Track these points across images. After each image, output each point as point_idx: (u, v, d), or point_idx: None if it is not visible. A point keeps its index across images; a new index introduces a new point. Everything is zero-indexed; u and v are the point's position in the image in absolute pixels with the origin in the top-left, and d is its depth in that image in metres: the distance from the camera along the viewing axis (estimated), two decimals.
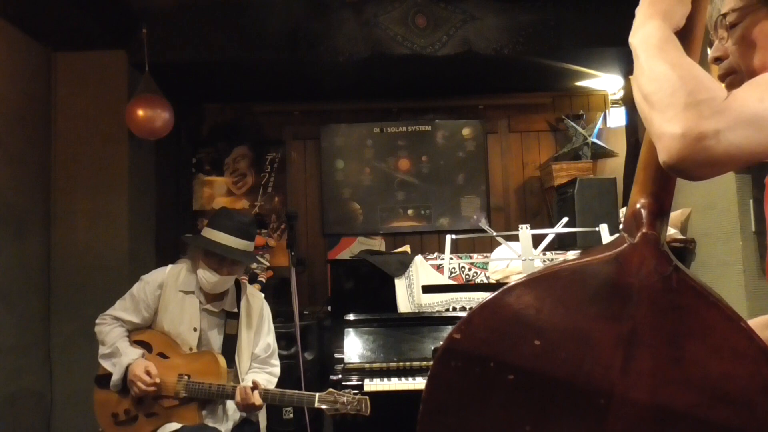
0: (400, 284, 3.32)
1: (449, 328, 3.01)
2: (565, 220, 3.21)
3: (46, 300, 3.86)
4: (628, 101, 4.65)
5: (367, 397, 2.47)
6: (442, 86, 4.91)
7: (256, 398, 2.49)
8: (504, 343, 1.01)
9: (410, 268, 3.35)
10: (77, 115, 3.96)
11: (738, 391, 0.94)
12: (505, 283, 1.12)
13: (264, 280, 4.38)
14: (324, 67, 4.17)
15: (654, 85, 0.88)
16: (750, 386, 0.93)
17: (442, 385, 1.04)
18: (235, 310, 2.73)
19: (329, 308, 3.85)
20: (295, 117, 5.12)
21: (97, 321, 2.69)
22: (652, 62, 0.90)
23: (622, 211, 3.88)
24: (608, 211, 3.83)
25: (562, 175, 4.70)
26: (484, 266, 3.37)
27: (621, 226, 1.06)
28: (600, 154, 4.92)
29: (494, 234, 3.13)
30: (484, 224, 3.37)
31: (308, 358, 3.86)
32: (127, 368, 2.54)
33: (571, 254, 3.29)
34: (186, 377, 2.55)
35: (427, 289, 3.21)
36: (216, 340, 2.70)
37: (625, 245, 0.99)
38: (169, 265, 2.77)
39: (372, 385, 2.85)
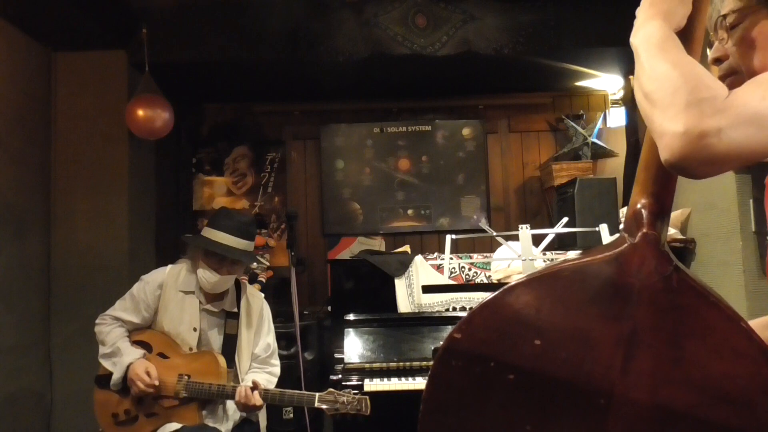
0: (400, 284, 3.33)
1: (449, 328, 3.01)
2: (565, 220, 3.21)
3: (46, 300, 3.86)
4: (628, 101, 4.65)
5: (367, 397, 2.47)
6: (442, 86, 4.91)
7: (256, 398, 2.49)
8: (504, 342, 1.01)
9: (410, 268, 3.35)
10: (77, 115, 3.96)
11: (738, 391, 0.94)
12: (506, 283, 1.12)
13: (264, 280, 4.39)
14: (324, 67, 4.17)
15: (655, 84, 0.88)
16: (750, 386, 0.93)
17: (443, 385, 1.04)
18: (235, 310, 2.73)
19: (329, 308, 3.85)
20: (295, 117, 5.12)
21: (96, 321, 2.69)
22: (653, 61, 0.90)
23: (622, 211, 3.88)
24: (608, 211, 3.83)
25: (562, 175, 4.70)
26: (484, 266, 3.37)
27: (621, 226, 1.06)
28: (600, 154, 4.93)
29: (494, 234, 3.13)
30: (484, 224, 3.37)
31: (308, 358, 3.86)
32: (128, 367, 2.54)
33: (572, 254, 3.29)
34: (186, 377, 2.55)
35: (427, 289, 3.21)
36: (216, 340, 2.69)
37: (626, 245, 0.99)
38: (169, 265, 2.77)
39: (372, 385, 2.85)
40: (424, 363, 2.95)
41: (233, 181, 5.02)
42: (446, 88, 4.96)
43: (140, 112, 3.80)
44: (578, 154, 4.88)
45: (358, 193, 5.01)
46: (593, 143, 4.86)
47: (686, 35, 0.96)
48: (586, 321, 0.99)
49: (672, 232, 3.40)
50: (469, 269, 3.36)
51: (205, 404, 2.59)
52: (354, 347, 3.06)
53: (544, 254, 3.16)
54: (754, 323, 1.21)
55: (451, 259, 3.24)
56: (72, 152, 3.95)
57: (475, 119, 5.08)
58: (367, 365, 2.99)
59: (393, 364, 2.97)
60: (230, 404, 2.63)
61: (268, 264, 4.81)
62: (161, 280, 2.68)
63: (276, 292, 4.36)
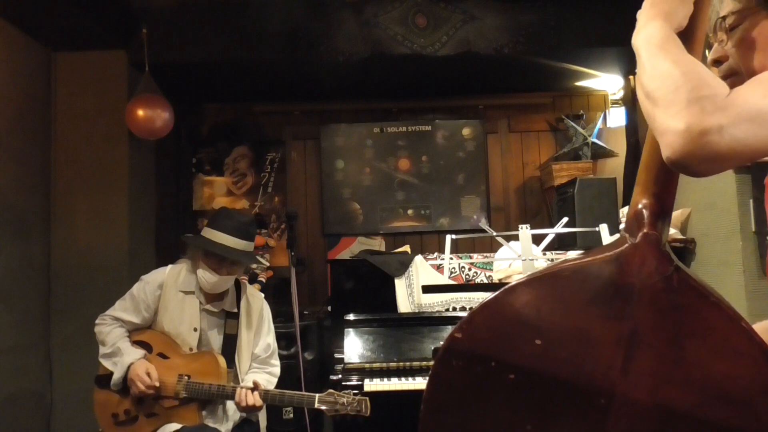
0: (400, 284, 3.33)
1: (449, 328, 3.01)
2: (565, 220, 3.21)
3: (46, 300, 3.86)
4: (628, 101, 4.65)
5: (367, 398, 2.47)
6: (442, 86, 4.91)
7: (256, 399, 2.49)
8: (505, 342, 1.01)
9: (410, 268, 3.35)
10: (77, 115, 3.96)
11: (739, 391, 0.94)
12: (506, 283, 1.12)
13: (264, 280, 4.39)
14: (324, 67, 4.17)
15: (656, 83, 0.88)
16: (751, 386, 0.93)
17: (444, 385, 1.04)
18: (235, 310, 2.73)
19: (329, 308, 3.85)
20: (295, 117, 5.12)
21: (96, 321, 2.69)
22: (654, 60, 0.91)
23: (622, 211, 3.89)
24: (608, 211, 3.83)
25: (562, 175, 4.70)
26: (484, 266, 3.37)
27: (622, 226, 1.06)
28: (600, 154, 4.93)
29: (494, 234, 3.13)
30: (484, 224, 3.37)
31: (308, 358, 3.86)
32: (128, 367, 2.54)
33: (572, 254, 3.29)
34: (186, 377, 2.55)
35: (427, 289, 3.21)
36: (216, 340, 2.69)
37: (627, 245, 0.99)
38: (169, 265, 2.77)
39: (372, 385, 2.85)
40: (424, 363, 2.95)
41: (233, 181, 5.02)
42: (446, 88, 4.96)
43: (140, 112, 3.80)
44: (578, 154, 4.88)
45: (358, 193, 5.01)
46: (593, 143, 4.87)
47: (687, 35, 0.96)
48: (587, 321, 0.99)
49: (672, 232, 3.40)
50: (469, 269, 3.36)
51: (205, 404, 2.59)
52: (354, 347, 3.06)
53: (544, 254, 3.16)
54: (758, 327, 1.21)
55: (451, 259, 3.24)
56: (72, 152, 3.95)
57: (475, 119, 5.08)
58: (367, 365, 2.99)
59: (393, 364, 2.97)
60: (230, 404, 2.63)
61: (268, 264, 4.81)
62: (161, 280, 2.68)
63: (276, 292, 4.37)
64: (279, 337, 3.02)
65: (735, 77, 1.12)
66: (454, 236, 3.09)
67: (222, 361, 2.60)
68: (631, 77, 4.54)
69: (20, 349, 3.56)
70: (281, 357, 2.93)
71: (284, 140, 5.08)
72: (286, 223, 3.97)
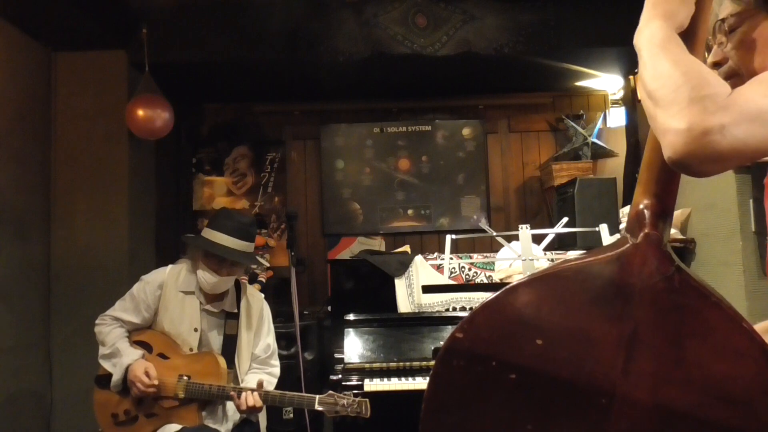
0: (400, 284, 3.33)
1: (449, 328, 3.01)
2: (565, 220, 3.21)
3: (46, 300, 3.85)
4: (628, 101, 4.65)
5: (367, 400, 2.46)
6: (442, 86, 4.91)
7: (257, 400, 2.49)
8: (506, 342, 1.01)
9: (410, 268, 3.35)
10: (77, 115, 3.96)
11: (739, 391, 0.94)
12: (507, 283, 1.12)
13: (264, 280, 4.38)
14: (324, 67, 4.17)
15: (658, 83, 0.88)
16: (751, 386, 0.93)
17: (444, 384, 1.04)
18: (235, 310, 2.73)
19: (329, 308, 3.85)
20: (295, 117, 5.12)
21: (96, 321, 2.69)
22: (655, 60, 0.91)
23: (622, 211, 3.89)
24: (608, 211, 3.83)
25: (562, 175, 4.70)
26: (484, 266, 3.37)
27: (623, 226, 1.06)
28: (600, 154, 4.93)
29: (494, 234, 3.13)
30: (484, 224, 3.37)
31: (308, 358, 3.86)
32: (127, 369, 2.54)
33: (573, 254, 3.29)
34: (186, 378, 2.55)
35: (427, 289, 3.21)
36: (216, 340, 2.69)
37: (628, 245, 0.99)
38: (169, 266, 2.77)
39: (372, 385, 2.85)
40: (424, 363, 2.95)
41: (233, 181, 5.02)
42: (446, 88, 4.96)
43: (140, 112, 3.80)
44: (578, 154, 4.88)
45: (358, 193, 5.01)
46: (593, 143, 4.87)
47: (689, 35, 0.96)
48: (588, 321, 0.99)
49: (672, 232, 3.40)
50: (469, 269, 3.36)
51: (205, 405, 2.59)
52: (354, 347, 3.06)
53: (544, 254, 3.16)
54: (758, 328, 1.21)
55: (451, 259, 3.24)
56: (72, 152, 3.95)
57: (475, 119, 5.08)
58: (367, 365, 2.99)
59: (393, 364, 2.97)
60: (230, 405, 2.63)
61: (268, 264, 4.81)
62: (161, 281, 2.68)
63: (276, 292, 4.36)
64: (279, 337, 3.02)
65: (735, 79, 1.12)
66: (454, 236, 3.09)
67: (222, 361, 2.59)
68: (631, 77, 4.54)
69: (20, 349, 3.56)
70: (281, 357, 2.93)
71: (284, 140, 5.08)
72: (286, 223, 3.97)
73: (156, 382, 2.51)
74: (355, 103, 5.07)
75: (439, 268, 3.33)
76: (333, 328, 3.33)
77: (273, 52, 4.02)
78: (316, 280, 4.94)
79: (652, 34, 0.93)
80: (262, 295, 2.89)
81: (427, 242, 4.98)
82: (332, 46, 3.99)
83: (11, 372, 3.48)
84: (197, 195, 5.00)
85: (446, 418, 1.04)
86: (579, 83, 4.89)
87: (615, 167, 4.80)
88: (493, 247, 3.86)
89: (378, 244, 4.92)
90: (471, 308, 3.24)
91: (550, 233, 3.20)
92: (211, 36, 4.00)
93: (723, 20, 1.12)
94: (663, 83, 0.87)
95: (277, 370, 2.80)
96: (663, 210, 1.00)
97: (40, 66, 3.85)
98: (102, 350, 2.63)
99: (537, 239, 3.08)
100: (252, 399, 2.48)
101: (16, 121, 3.58)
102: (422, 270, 3.35)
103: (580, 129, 4.88)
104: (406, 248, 4.03)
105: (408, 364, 2.96)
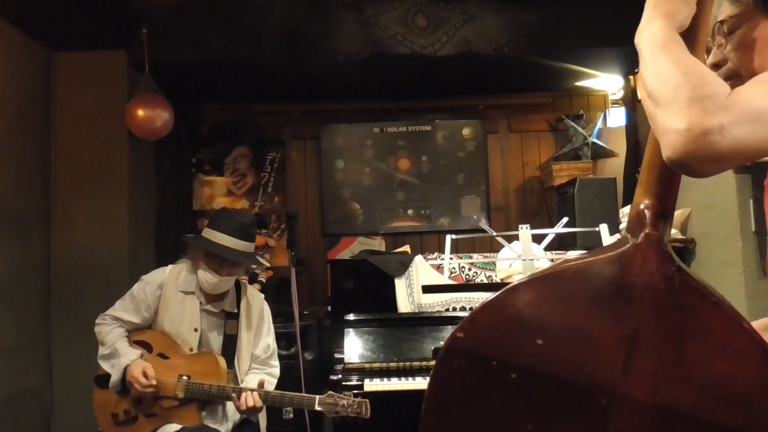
0: (400, 284, 3.33)
1: (449, 328, 3.01)
2: (565, 220, 3.21)
3: (46, 300, 3.85)
4: (628, 101, 4.65)
5: (367, 400, 2.46)
6: (442, 86, 4.91)
7: (257, 400, 2.49)
8: (506, 342, 1.01)
9: (410, 268, 3.35)
10: (77, 115, 3.96)
11: (740, 391, 0.94)
12: (507, 283, 1.12)
13: (264, 280, 4.38)
14: (324, 67, 4.17)
15: (658, 82, 0.88)
16: (752, 386, 0.93)
17: (445, 384, 1.04)
18: (235, 310, 2.73)
19: (329, 308, 3.85)
20: (295, 117, 5.12)
21: (96, 321, 2.69)
22: (655, 60, 0.91)
23: (622, 211, 3.89)
24: (608, 211, 3.83)
25: (562, 175, 4.70)
26: (484, 266, 3.37)
27: (623, 227, 1.06)
28: (600, 154, 4.93)
29: (494, 234, 3.13)
30: (484, 224, 3.37)
31: (308, 358, 3.86)
32: (125, 369, 2.54)
33: (573, 254, 3.29)
34: (186, 378, 2.55)
35: (427, 289, 3.21)
36: (216, 340, 2.69)
37: (628, 245, 0.99)
38: (170, 266, 2.77)
39: (372, 385, 2.85)
40: (424, 363, 2.95)
41: (233, 181, 5.02)
42: (446, 88, 4.96)
43: (140, 112, 3.80)
44: (578, 154, 4.88)
45: (358, 193, 5.01)
46: (593, 143, 4.87)
47: (689, 36, 0.96)
48: (588, 321, 0.99)
49: (672, 232, 3.39)
50: (469, 269, 3.36)
51: (204, 405, 2.59)
52: (354, 347, 3.06)
53: (545, 254, 3.16)
54: (756, 325, 1.21)
55: (451, 259, 3.24)
56: (72, 152, 3.95)
57: (475, 119, 5.08)
58: (367, 365, 2.99)
59: (393, 364, 2.97)
60: (230, 405, 2.63)
61: (268, 264, 4.81)
62: (161, 280, 2.68)
63: (276, 292, 4.36)
64: (279, 337, 3.02)
65: (735, 80, 1.12)
66: (454, 236, 3.10)
67: (222, 361, 2.59)
68: (631, 77, 4.54)
69: (20, 349, 3.56)
70: (281, 357, 2.93)
71: (284, 140, 5.08)
72: (286, 223, 3.97)
73: (154, 383, 2.51)
74: (355, 103, 5.07)
75: (439, 268, 3.34)
76: (333, 328, 3.33)
77: (273, 52, 4.02)
78: (316, 280, 4.94)
79: (653, 34, 0.93)
80: (262, 296, 2.89)
81: (427, 242, 4.98)
82: (332, 46, 3.99)
83: (11, 372, 3.48)
84: (197, 195, 5.00)
85: (447, 417, 1.04)
86: (579, 83, 4.89)
87: (615, 167, 4.80)
88: (493, 247, 3.86)
89: (378, 244, 4.92)
90: (471, 308, 3.24)
91: (550, 233, 3.20)
92: (211, 36, 4.00)
93: (722, 22, 1.13)
94: (663, 83, 0.87)
95: (277, 371, 2.80)
96: (663, 210, 1.00)
97: (40, 66, 3.85)
98: (101, 350, 2.63)
99: (537, 239, 3.08)
100: (252, 399, 2.48)
101: (16, 121, 3.58)
102: (422, 270, 3.35)
103: (580, 129, 4.88)
104: (406, 248, 4.03)
105: (408, 364, 2.96)
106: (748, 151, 0.82)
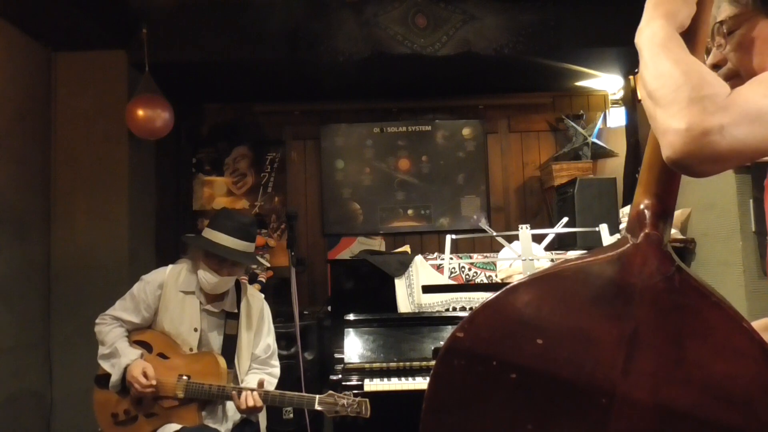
0: (400, 284, 3.33)
1: (449, 328, 3.01)
2: (565, 220, 3.21)
3: (46, 300, 3.85)
4: (628, 101, 4.65)
5: (367, 400, 2.46)
6: (442, 86, 4.91)
7: (257, 400, 2.49)
8: (507, 342, 1.01)
9: (410, 268, 3.35)
10: (77, 115, 3.96)
11: (740, 391, 0.94)
12: (507, 283, 1.12)
13: (264, 280, 4.38)
14: (324, 67, 4.17)
15: (658, 82, 0.88)
16: (752, 386, 0.94)
17: (445, 384, 1.05)
18: (235, 310, 2.73)
19: (329, 308, 3.85)
20: (295, 117, 5.12)
21: (96, 321, 2.69)
22: (656, 60, 0.91)
23: (622, 211, 3.89)
24: (608, 211, 3.83)
25: (562, 175, 4.70)
26: (484, 266, 3.37)
27: (623, 227, 1.06)
28: (600, 154, 4.93)
29: (494, 234, 3.13)
30: (484, 224, 3.37)
31: (308, 358, 3.86)
32: (125, 369, 2.54)
33: (573, 254, 3.29)
34: (186, 378, 2.55)
35: (427, 289, 3.21)
36: (216, 340, 2.69)
37: (628, 245, 0.99)
38: (170, 266, 2.77)
39: (372, 385, 2.85)
40: (424, 363, 2.95)
41: (233, 181, 5.02)
42: (446, 88, 4.96)
43: (140, 112, 3.80)
44: (578, 154, 4.88)
45: (358, 193, 5.01)
46: (593, 143, 4.87)
47: (689, 36, 0.96)
48: (589, 321, 0.99)
49: (672, 232, 3.39)
50: (469, 269, 3.36)
51: (204, 405, 2.59)
52: (354, 347, 3.06)
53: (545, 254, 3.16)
54: (756, 325, 1.21)
55: (451, 259, 3.24)
56: (72, 152, 3.95)
57: (475, 119, 5.08)
58: (367, 365, 2.99)
59: (393, 364, 2.97)
60: (230, 405, 2.63)
61: (268, 264, 4.81)
62: (161, 280, 2.68)
63: (276, 292, 4.36)
64: (279, 337, 3.02)
65: (735, 80, 1.12)
66: (454, 236, 3.10)
67: (222, 361, 2.59)
68: (631, 77, 4.54)
69: (20, 349, 3.56)
70: (281, 357, 2.93)
71: (284, 140, 5.08)
72: (286, 223, 3.97)
73: (154, 382, 2.51)
74: (355, 103, 5.07)
75: (439, 268, 3.34)
76: (333, 328, 3.33)
77: (273, 52, 4.02)
78: (316, 280, 4.94)
79: (654, 34, 0.93)
80: (262, 296, 2.89)
81: (427, 242, 4.98)
82: (332, 46, 3.99)
83: (11, 372, 3.48)
84: (197, 195, 5.00)
85: (447, 417, 1.04)
86: (579, 83, 4.89)
87: (615, 167, 4.80)
88: (493, 247, 3.86)
89: (378, 244, 4.92)
90: (471, 308, 3.24)
91: (550, 233, 3.20)
92: (211, 36, 4.00)
93: (721, 22, 1.13)
94: (663, 83, 0.87)
95: (277, 371, 2.80)
96: (663, 210, 1.00)
97: (40, 66, 3.85)
98: (101, 350, 2.63)
99: (537, 239, 3.08)
100: (252, 399, 2.48)
101: (16, 121, 3.58)
102: (422, 270, 3.35)
103: (580, 129, 4.88)
104: (406, 248, 4.03)
105: (408, 364, 2.96)
106: (748, 151, 0.82)
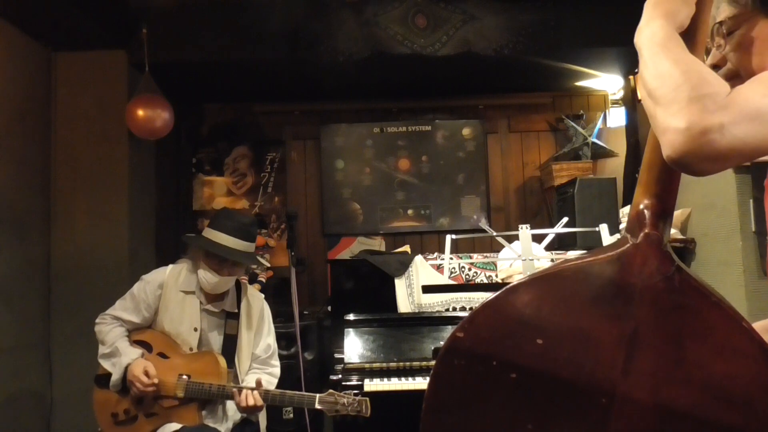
0: (400, 284, 3.33)
1: (449, 328, 3.01)
2: (565, 220, 3.21)
3: (46, 300, 3.85)
4: (628, 101, 4.65)
5: (368, 399, 2.47)
6: (442, 86, 4.91)
7: (257, 399, 2.49)
8: (507, 342, 1.01)
9: (410, 268, 3.35)
10: (77, 115, 3.96)
11: (739, 390, 0.94)
12: (507, 283, 1.12)
13: (264, 280, 4.38)
14: (324, 67, 4.17)
15: (658, 81, 0.88)
16: (751, 386, 0.94)
17: (445, 384, 1.05)
18: (236, 310, 2.73)
19: (329, 308, 3.85)
20: (295, 117, 5.12)
21: (97, 320, 2.69)
22: (655, 59, 0.91)
23: (622, 211, 3.89)
24: (608, 211, 3.83)
25: (562, 175, 4.70)
26: (484, 266, 3.37)
27: (623, 227, 1.06)
28: (600, 154, 4.93)
29: (494, 234, 3.13)
30: (484, 224, 3.37)
31: (308, 358, 3.86)
32: (126, 368, 2.54)
33: (573, 254, 3.29)
34: (186, 377, 2.55)
35: (427, 289, 3.21)
36: (216, 340, 2.69)
37: (628, 245, 0.99)
38: (170, 265, 2.77)
39: (372, 385, 2.85)
40: (424, 363, 2.95)
41: (233, 181, 5.02)
42: (446, 88, 4.96)
43: (140, 112, 3.80)
44: (578, 154, 4.88)
45: (358, 193, 5.01)
46: (593, 143, 4.87)
47: (689, 36, 0.96)
48: (588, 320, 0.99)
49: (672, 232, 3.40)
50: (469, 269, 3.36)
51: (204, 404, 2.59)
52: (354, 347, 3.06)
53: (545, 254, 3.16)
54: (758, 326, 1.21)
55: (451, 259, 3.24)
56: (72, 152, 3.95)
57: (475, 119, 5.08)
58: (367, 365, 2.99)
59: (393, 364, 2.97)
60: (230, 404, 2.63)
61: (268, 264, 4.81)
62: (162, 280, 2.68)
63: (276, 292, 4.36)
64: (279, 337, 3.02)
65: (735, 80, 1.12)
66: (454, 236, 3.10)
67: (222, 361, 2.60)
68: (631, 77, 4.54)
69: (20, 349, 3.56)
70: (281, 357, 2.93)
71: (284, 140, 5.08)
72: (286, 223, 3.97)
73: (155, 381, 2.51)
74: (355, 103, 5.07)
75: (439, 268, 3.34)
76: (333, 328, 3.33)
77: (273, 52, 4.02)
78: (316, 280, 4.93)
79: (653, 33, 0.94)
80: (263, 295, 2.89)
81: (427, 242, 4.98)
82: (332, 46, 3.99)
83: (11, 372, 3.48)
84: (197, 195, 5.00)
85: (447, 417, 1.04)
86: (579, 83, 4.89)
87: (615, 167, 4.80)
88: (493, 247, 3.86)
89: (378, 244, 4.92)
90: (471, 308, 3.24)
91: (550, 233, 3.20)
92: (211, 36, 4.00)
93: (721, 23, 1.13)
94: (663, 82, 0.87)
95: (277, 371, 2.80)
96: (663, 210, 1.00)
97: (40, 66, 3.85)
98: (102, 349, 2.63)
99: (537, 239, 3.08)
100: (252, 398, 2.48)
101: (16, 121, 3.58)
102: (422, 270, 3.35)
103: (580, 129, 4.88)
104: (406, 248, 4.03)
105: (408, 364, 2.96)
106: (748, 150, 0.82)
